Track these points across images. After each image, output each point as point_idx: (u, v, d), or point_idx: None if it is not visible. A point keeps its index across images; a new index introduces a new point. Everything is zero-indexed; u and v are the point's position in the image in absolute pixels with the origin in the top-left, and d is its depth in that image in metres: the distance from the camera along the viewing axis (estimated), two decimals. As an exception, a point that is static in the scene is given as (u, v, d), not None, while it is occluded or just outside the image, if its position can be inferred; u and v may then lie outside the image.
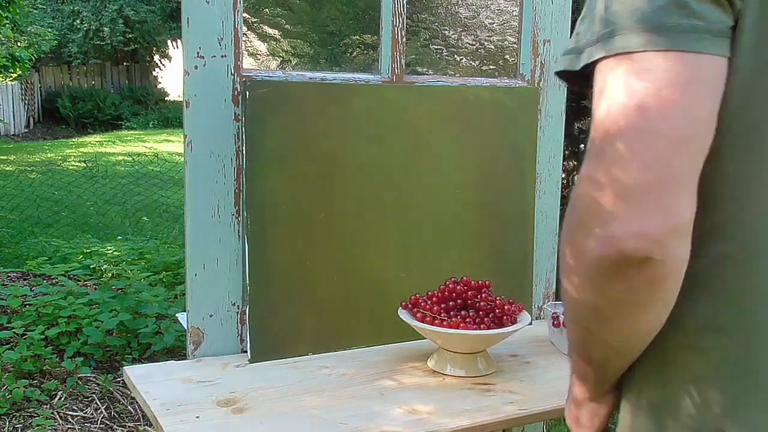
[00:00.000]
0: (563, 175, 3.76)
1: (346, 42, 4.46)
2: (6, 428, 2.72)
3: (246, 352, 1.42)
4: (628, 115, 0.67)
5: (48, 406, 2.88)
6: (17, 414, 2.81)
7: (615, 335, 0.76)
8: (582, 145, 3.94)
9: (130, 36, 16.82)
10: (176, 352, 3.24)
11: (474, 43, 4.30)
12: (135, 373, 1.33)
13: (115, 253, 4.59)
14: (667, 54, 0.67)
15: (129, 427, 2.85)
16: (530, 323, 1.40)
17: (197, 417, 1.16)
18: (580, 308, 0.76)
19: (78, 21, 16.60)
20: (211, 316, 1.41)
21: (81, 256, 4.63)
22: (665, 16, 0.67)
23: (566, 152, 4.03)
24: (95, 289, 3.82)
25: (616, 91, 0.68)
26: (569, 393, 0.91)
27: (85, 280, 4.09)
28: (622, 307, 0.72)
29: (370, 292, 1.51)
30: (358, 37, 4.41)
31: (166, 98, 18.18)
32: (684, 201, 0.67)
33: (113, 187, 7.58)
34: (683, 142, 0.66)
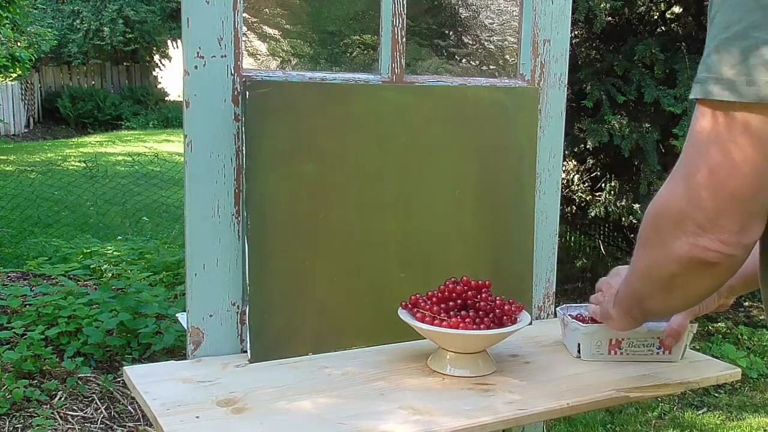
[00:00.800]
0: (563, 175, 3.75)
1: (346, 42, 4.46)
2: (6, 428, 2.72)
3: (246, 352, 1.42)
4: (725, 163, 0.85)
5: (48, 406, 2.88)
6: (17, 414, 2.81)
7: (673, 300, 1.05)
8: (582, 145, 3.94)
9: (130, 36, 16.82)
10: (176, 352, 3.24)
11: (474, 43, 4.29)
12: (135, 373, 1.33)
13: (115, 253, 4.59)
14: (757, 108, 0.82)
15: (129, 427, 2.86)
16: (530, 323, 1.40)
17: (197, 417, 1.16)
18: (649, 278, 1.02)
19: (78, 21, 16.61)
20: (211, 316, 1.41)
21: (81, 256, 4.63)
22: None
23: (566, 152, 4.03)
24: (95, 289, 3.82)
25: (723, 135, 0.85)
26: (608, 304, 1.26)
27: (85, 280, 4.09)
28: (686, 284, 0.98)
29: (370, 292, 1.51)
30: (358, 37, 4.40)
31: (166, 98, 18.19)
32: (756, 226, 0.88)
33: (113, 187, 7.58)
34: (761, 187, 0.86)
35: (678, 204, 0.91)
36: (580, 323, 1.43)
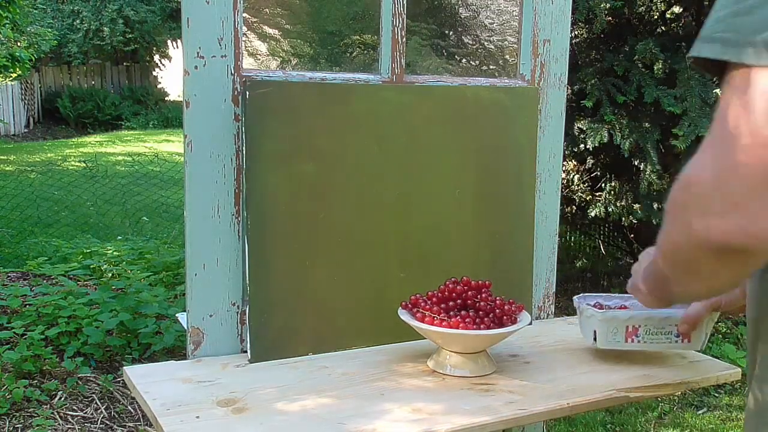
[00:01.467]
0: (563, 175, 3.75)
1: (346, 42, 4.47)
2: (6, 428, 2.72)
3: (246, 352, 1.42)
4: (752, 132, 0.75)
5: (48, 406, 2.88)
6: (17, 414, 2.81)
7: (700, 284, 0.94)
8: (582, 145, 3.94)
9: (130, 36, 16.83)
10: (176, 352, 3.24)
11: (474, 43, 4.30)
12: (135, 373, 1.33)
13: (115, 253, 4.59)
14: None
15: (129, 427, 2.86)
16: (530, 323, 1.40)
17: (197, 417, 1.16)
18: (672, 261, 0.92)
19: (78, 21, 16.61)
20: (211, 316, 1.42)
21: (81, 256, 4.63)
22: None
23: (566, 152, 4.03)
24: (95, 289, 3.82)
25: (744, 104, 0.75)
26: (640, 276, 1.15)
27: (85, 280, 4.09)
28: (711, 271, 0.87)
29: (370, 292, 1.51)
30: (358, 37, 4.41)
31: (166, 98, 18.19)
32: None
33: (113, 187, 7.58)
34: None
35: (705, 181, 0.81)
36: (597, 310, 1.40)
